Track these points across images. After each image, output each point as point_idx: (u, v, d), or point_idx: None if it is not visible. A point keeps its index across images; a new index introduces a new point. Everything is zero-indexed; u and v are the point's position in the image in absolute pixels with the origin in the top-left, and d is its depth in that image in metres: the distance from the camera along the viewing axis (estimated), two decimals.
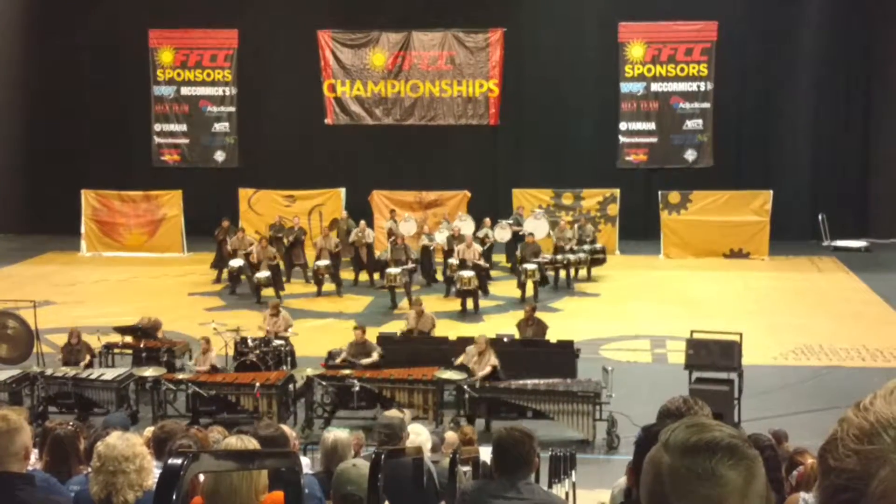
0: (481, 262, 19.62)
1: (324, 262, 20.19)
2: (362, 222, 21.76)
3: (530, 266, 19.44)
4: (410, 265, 19.68)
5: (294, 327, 15.74)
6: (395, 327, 16.21)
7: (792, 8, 24.98)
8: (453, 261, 19.54)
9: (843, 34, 24.70)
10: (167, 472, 2.16)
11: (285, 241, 21.46)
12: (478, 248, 19.77)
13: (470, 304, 18.92)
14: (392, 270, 19.15)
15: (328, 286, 20.30)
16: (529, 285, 19.62)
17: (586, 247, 21.28)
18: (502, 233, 21.63)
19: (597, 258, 21.50)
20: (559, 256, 20.80)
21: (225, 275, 21.06)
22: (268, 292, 19.43)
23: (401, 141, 26.12)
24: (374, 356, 14.02)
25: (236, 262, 20.46)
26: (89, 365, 14.05)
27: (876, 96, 25.29)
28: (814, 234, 24.91)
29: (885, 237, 24.94)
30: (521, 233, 21.47)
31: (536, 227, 21.67)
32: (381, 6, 25.88)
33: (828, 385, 14.38)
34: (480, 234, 21.28)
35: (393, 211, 23.19)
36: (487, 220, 21.62)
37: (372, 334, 15.49)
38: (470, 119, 26.30)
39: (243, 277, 20.46)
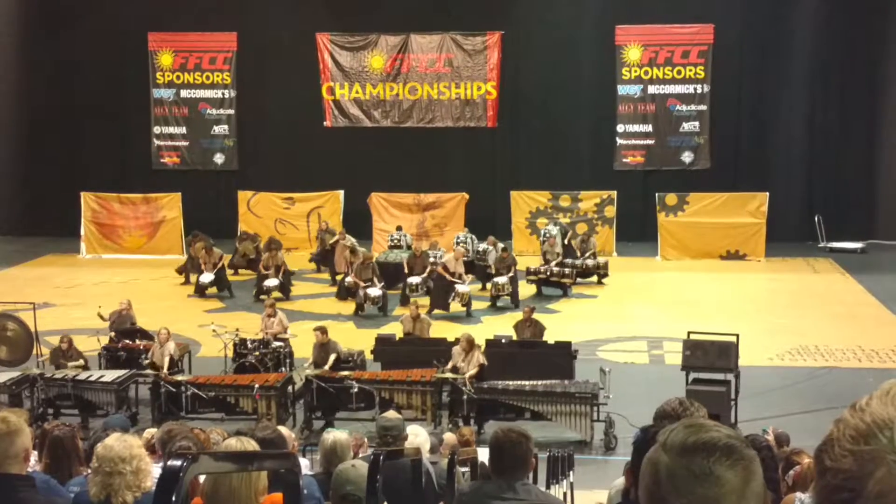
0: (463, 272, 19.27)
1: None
2: (342, 230, 21.65)
3: (501, 280, 19.14)
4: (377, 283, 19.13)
5: (291, 329, 15.71)
6: (395, 329, 16.20)
7: (788, 10, 25.00)
8: (413, 280, 19.22)
9: (839, 35, 24.68)
10: (167, 473, 2.16)
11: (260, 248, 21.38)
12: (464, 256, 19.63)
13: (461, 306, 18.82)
14: (372, 292, 18.70)
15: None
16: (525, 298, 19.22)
17: (589, 261, 21.02)
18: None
19: (589, 271, 20.96)
20: (543, 268, 20.32)
21: (192, 289, 20.47)
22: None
23: (399, 143, 26.11)
24: (331, 359, 13.82)
25: (206, 278, 20.11)
26: (85, 367, 14.03)
27: (872, 97, 25.28)
28: (810, 235, 24.93)
29: (884, 238, 24.93)
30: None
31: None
32: (379, 9, 25.88)
33: (824, 386, 14.41)
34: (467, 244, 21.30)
35: (399, 227, 23.06)
36: (491, 238, 21.44)
37: (370, 336, 15.51)
38: (468, 121, 26.30)
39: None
